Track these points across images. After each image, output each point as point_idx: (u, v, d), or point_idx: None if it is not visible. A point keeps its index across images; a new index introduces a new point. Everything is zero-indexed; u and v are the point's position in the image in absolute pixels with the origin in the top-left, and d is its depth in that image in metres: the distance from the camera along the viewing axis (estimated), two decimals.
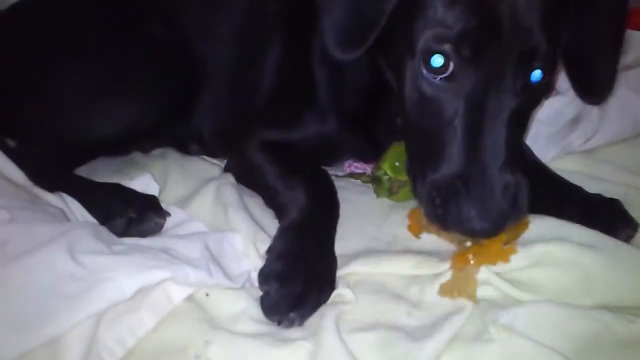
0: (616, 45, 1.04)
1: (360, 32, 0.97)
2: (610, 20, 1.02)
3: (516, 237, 1.02)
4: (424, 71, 0.93)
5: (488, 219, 0.89)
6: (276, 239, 1.04)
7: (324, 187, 1.15)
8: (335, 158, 1.27)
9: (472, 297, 0.94)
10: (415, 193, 1.01)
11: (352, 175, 1.19)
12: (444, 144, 0.93)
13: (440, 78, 0.92)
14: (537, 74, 0.93)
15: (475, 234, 0.92)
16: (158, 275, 0.90)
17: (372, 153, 1.22)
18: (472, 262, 0.97)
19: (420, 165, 0.98)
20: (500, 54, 0.90)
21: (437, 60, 0.91)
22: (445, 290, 0.96)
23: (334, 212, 1.12)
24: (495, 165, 0.90)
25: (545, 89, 1.00)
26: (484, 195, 0.89)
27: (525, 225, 1.03)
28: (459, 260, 0.99)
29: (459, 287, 0.96)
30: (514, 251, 0.98)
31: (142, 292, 0.92)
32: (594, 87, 1.06)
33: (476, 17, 0.89)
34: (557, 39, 0.95)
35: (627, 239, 1.06)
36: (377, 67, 1.09)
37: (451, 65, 0.91)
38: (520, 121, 0.97)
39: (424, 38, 0.92)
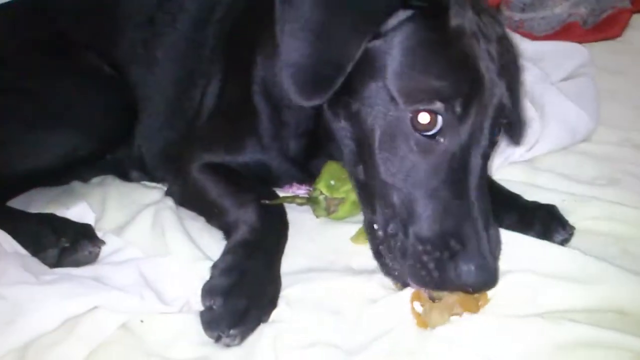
0: (520, 96, 1.14)
1: (326, 79, 0.93)
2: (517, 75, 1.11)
3: None
4: (411, 128, 0.91)
5: (488, 271, 0.87)
6: (224, 255, 1.03)
7: (274, 206, 1.13)
8: (275, 182, 1.25)
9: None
10: (377, 253, 0.98)
11: (286, 197, 1.17)
12: (430, 202, 0.90)
13: (427, 135, 0.91)
14: (504, 129, 1.00)
15: (479, 288, 0.89)
16: (85, 303, 0.88)
17: (309, 180, 1.21)
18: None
19: (391, 222, 0.94)
20: (482, 110, 0.93)
21: (425, 117, 0.90)
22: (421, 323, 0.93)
23: (284, 232, 1.11)
24: (483, 219, 0.90)
25: None
26: (481, 250, 0.88)
27: None
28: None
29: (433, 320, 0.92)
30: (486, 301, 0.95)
31: (71, 322, 0.89)
32: (513, 130, 1.14)
33: (464, 73, 0.92)
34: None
35: (563, 242, 1.07)
36: (320, 113, 1.07)
37: (439, 122, 0.90)
38: (488, 165, 0.99)
39: (411, 94, 0.91)
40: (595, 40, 2.04)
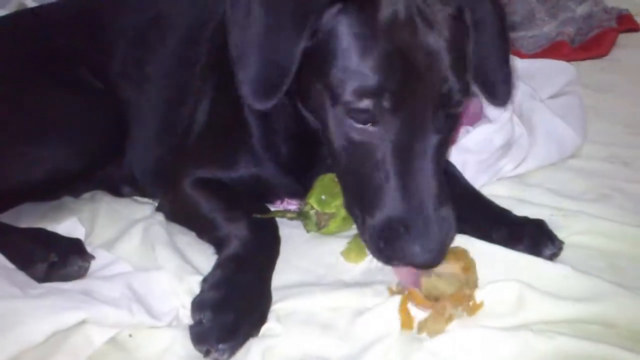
0: (505, 56, 1.12)
1: (274, 81, 0.98)
2: (498, 38, 1.09)
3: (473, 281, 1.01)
4: (348, 119, 0.96)
5: (431, 252, 0.93)
6: (214, 269, 1.03)
7: (266, 221, 1.14)
8: (269, 197, 1.26)
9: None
10: (360, 233, 1.02)
11: (277, 212, 1.18)
12: (378, 188, 0.96)
13: (364, 125, 0.95)
14: (455, 109, 0.99)
15: (421, 266, 0.96)
16: (73, 317, 0.87)
17: (304, 192, 1.22)
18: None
19: (358, 207, 1.01)
20: (420, 101, 0.94)
21: (358, 113, 0.95)
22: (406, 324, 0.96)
23: (275, 247, 1.11)
24: (430, 201, 0.94)
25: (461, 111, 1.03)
26: (425, 232, 0.93)
27: (473, 267, 1.03)
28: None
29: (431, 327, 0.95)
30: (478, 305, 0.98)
31: (59, 336, 0.89)
32: (497, 91, 1.13)
33: (393, 68, 0.93)
34: (466, 69, 1.01)
35: (552, 257, 1.08)
36: (300, 113, 1.10)
37: (372, 116, 0.94)
38: (442, 151, 1.00)
39: (344, 92, 0.94)
40: (583, 59, 2.07)
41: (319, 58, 0.97)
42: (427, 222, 0.93)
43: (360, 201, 1.00)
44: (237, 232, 1.09)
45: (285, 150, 1.19)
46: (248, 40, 0.98)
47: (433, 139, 0.96)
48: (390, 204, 0.95)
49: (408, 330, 0.94)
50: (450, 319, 0.94)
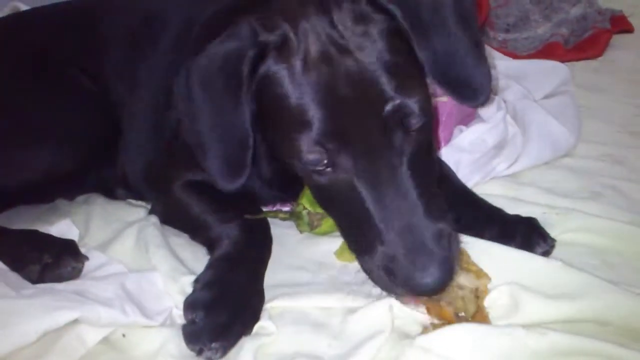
0: (474, 47, 0.99)
1: (237, 160, 0.99)
2: (462, 27, 0.98)
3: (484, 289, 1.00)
4: (309, 169, 0.94)
5: (434, 274, 0.87)
6: (206, 269, 1.03)
7: (258, 221, 1.14)
8: (257, 203, 1.25)
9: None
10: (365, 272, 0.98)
11: (268, 212, 1.18)
12: (363, 224, 0.92)
13: (323, 170, 0.93)
14: (413, 122, 0.91)
15: (430, 292, 0.90)
16: (65, 316, 0.87)
17: (292, 199, 1.21)
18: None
19: (354, 244, 0.99)
20: (363, 130, 0.89)
21: (312, 164, 0.93)
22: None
23: (267, 246, 1.12)
24: (420, 222, 0.89)
25: (429, 119, 0.96)
26: (423, 255, 0.88)
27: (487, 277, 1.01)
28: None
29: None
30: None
31: (52, 336, 0.89)
32: (471, 90, 1.00)
33: (322, 108, 0.90)
34: (416, 78, 0.95)
35: (544, 254, 1.07)
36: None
37: (325, 160, 0.92)
38: (419, 160, 0.94)
39: (289, 153, 0.94)
40: (577, 60, 2.08)
41: (266, 116, 0.97)
42: (421, 247, 0.88)
43: (353, 239, 0.98)
44: (228, 232, 1.09)
45: (268, 170, 1.18)
46: (200, 126, 0.98)
47: (396, 161, 0.90)
48: (380, 238, 0.90)
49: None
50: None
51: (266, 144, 1.06)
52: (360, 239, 0.95)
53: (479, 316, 0.94)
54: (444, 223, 0.91)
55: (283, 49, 0.93)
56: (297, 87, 0.91)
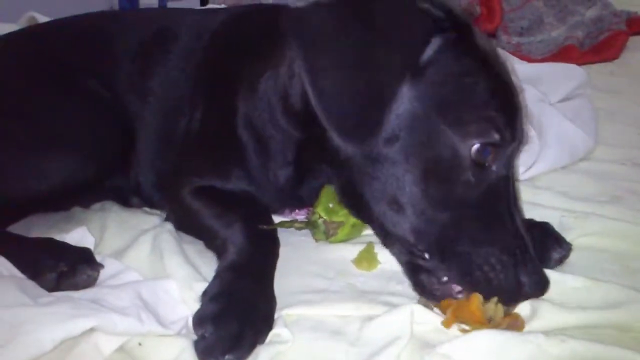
0: None
1: (370, 120, 0.92)
2: None
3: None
4: (468, 161, 0.93)
5: (544, 281, 0.94)
6: (213, 280, 1.02)
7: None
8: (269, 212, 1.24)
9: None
10: (420, 283, 0.98)
11: (284, 223, 1.17)
12: (484, 223, 0.94)
13: (482, 165, 0.94)
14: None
15: (538, 295, 0.95)
16: (82, 324, 0.87)
17: (300, 206, 1.21)
18: None
19: (441, 249, 0.95)
20: (518, 133, 0.97)
21: (486, 150, 0.93)
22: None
23: (274, 249, 1.10)
24: (525, 231, 0.95)
25: None
26: (532, 261, 0.93)
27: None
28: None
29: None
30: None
31: (68, 344, 0.89)
32: None
33: (507, 99, 0.95)
34: None
35: (561, 259, 1.06)
36: (307, 143, 1.07)
37: (495, 152, 0.94)
38: None
39: (465, 127, 0.92)
40: (593, 62, 2.06)
41: (420, 91, 0.94)
42: (530, 253, 0.94)
43: (449, 244, 0.95)
44: (232, 238, 1.08)
45: (282, 174, 1.16)
46: (338, 77, 0.91)
47: (516, 172, 1.00)
48: (502, 235, 0.94)
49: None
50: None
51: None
52: (457, 240, 0.94)
53: (511, 318, 0.93)
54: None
55: (466, 30, 0.96)
56: (482, 73, 0.94)
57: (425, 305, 0.97)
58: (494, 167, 0.95)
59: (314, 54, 0.92)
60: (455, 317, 0.93)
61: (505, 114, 0.94)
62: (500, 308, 0.92)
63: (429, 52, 0.94)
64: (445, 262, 0.95)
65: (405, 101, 0.94)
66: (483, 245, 0.93)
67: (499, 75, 0.97)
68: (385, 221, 1.00)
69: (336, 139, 0.94)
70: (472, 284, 0.93)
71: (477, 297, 0.92)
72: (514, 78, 1.03)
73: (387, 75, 0.92)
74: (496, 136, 0.93)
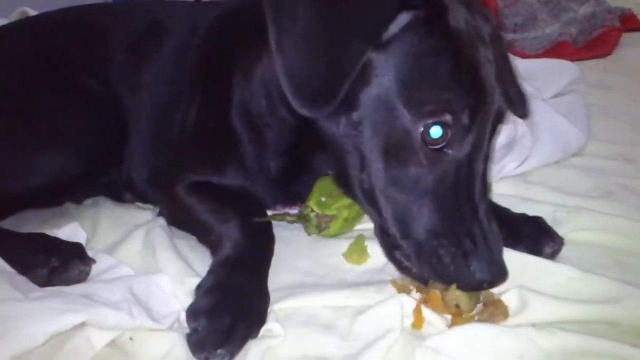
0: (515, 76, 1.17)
1: (329, 87, 0.92)
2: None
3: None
4: (420, 141, 0.92)
5: (500, 267, 0.92)
6: (207, 274, 1.01)
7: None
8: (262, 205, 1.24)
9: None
10: (394, 258, 1.00)
11: (275, 216, 1.17)
12: (440, 206, 0.93)
13: (436, 147, 0.92)
14: (502, 124, 1.01)
15: (493, 283, 0.93)
16: (73, 319, 0.87)
17: (295, 201, 1.20)
18: None
19: (401, 226, 0.96)
20: (485, 117, 0.94)
21: (436, 131, 0.92)
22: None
23: (269, 245, 1.10)
24: (487, 219, 0.94)
25: None
26: (490, 247, 0.92)
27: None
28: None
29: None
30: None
31: (60, 339, 0.89)
32: (520, 106, 1.16)
33: (466, 83, 0.92)
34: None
35: (554, 254, 1.07)
36: (302, 128, 1.06)
37: (449, 134, 0.92)
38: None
39: (419, 106, 0.91)
40: (586, 58, 2.06)
41: (382, 69, 0.94)
42: (489, 239, 0.92)
43: (409, 224, 0.95)
44: (228, 233, 1.08)
45: (275, 164, 1.16)
46: (302, 45, 0.91)
47: (486, 157, 0.96)
48: (454, 219, 0.92)
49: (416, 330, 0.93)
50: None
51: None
52: (412, 226, 0.95)
53: (494, 307, 0.94)
54: (495, 223, 0.96)
55: (440, 9, 0.95)
56: (446, 53, 0.92)
57: (402, 290, 0.99)
58: (449, 151, 0.93)
59: (280, 20, 0.92)
60: (427, 304, 0.94)
61: (465, 97, 0.92)
62: (467, 296, 0.93)
63: (394, 28, 0.94)
64: (405, 242, 0.96)
65: (371, 77, 0.94)
66: (432, 233, 0.93)
67: (467, 57, 0.94)
68: (361, 197, 1.02)
69: (293, 103, 0.92)
70: (424, 269, 0.95)
71: (436, 287, 0.95)
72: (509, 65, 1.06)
73: (347, 48, 0.91)
74: (447, 117, 0.91)
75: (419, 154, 0.93)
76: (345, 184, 1.05)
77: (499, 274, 0.92)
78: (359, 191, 1.02)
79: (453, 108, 0.91)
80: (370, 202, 1.01)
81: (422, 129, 0.91)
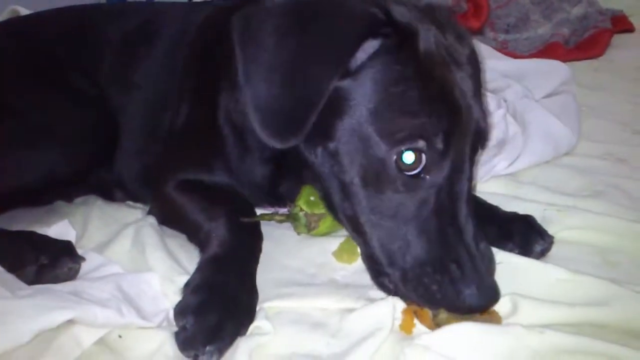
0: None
1: (296, 119, 0.91)
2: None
3: None
4: (395, 169, 0.91)
5: (489, 290, 0.90)
6: (195, 272, 1.01)
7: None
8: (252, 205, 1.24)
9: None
10: (381, 284, 0.98)
11: (264, 215, 1.17)
12: (423, 231, 0.92)
13: (412, 174, 0.91)
14: (485, 144, 0.99)
15: (484, 308, 0.91)
16: (61, 316, 0.86)
17: (280, 204, 1.20)
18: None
19: (387, 253, 0.95)
20: (462, 139, 0.93)
21: (409, 157, 0.90)
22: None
23: (256, 243, 1.10)
24: (473, 242, 0.92)
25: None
26: (478, 271, 0.90)
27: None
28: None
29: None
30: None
31: (48, 336, 0.88)
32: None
33: (440, 108, 0.91)
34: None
35: (543, 252, 1.07)
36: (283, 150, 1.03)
37: (423, 160, 0.91)
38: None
39: (391, 134, 0.90)
40: (578, 59, 2.07)
41: (352, 98, 0.93)
42: (476, 262, 0.90)
43: (394, 251, 0.94)
44: (216, 231, 1.08)
45: (259, 170, 1.15)
46: (268, 76, 0.90)
47: (469, 179, 0.95)
48: (437, 247, 0.91)
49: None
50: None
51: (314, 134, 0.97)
52: (398, 253, 0.93)
53: (489, 315, 0.93)
54: (485, 244, 0.95)
55: (408, 35, 0.94)
56: (418, 78, 0.92)
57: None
58: (427, 177, 0.92)
59: (248, 50, 0.91)
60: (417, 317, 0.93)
61: (438, 121, 0.90)
62: (459, 317, 0.91)
63: (363, 56, 0.93)
64: (391, 270, 0.94)
65: (345, 106, 0.93)
66: (417, 261, 0.91)
67: (439, 80, 0.92)
68: (346, 223, 1.01)
69: (261, 136, 0.92)
70: (412, 296, 0.93)
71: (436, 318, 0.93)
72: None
73: (313, 77, 0.90)
74: (420, 143, 0.90)
75: (396, 182, 0.92)
76: (330, 208, 1.05)
77: (490, 298, 0.90)
78: (343, 217, 1.01)
79: (426, 133, 0.90)
80: (354, 229, 1.00)
81: (395, 156, 0.91)
